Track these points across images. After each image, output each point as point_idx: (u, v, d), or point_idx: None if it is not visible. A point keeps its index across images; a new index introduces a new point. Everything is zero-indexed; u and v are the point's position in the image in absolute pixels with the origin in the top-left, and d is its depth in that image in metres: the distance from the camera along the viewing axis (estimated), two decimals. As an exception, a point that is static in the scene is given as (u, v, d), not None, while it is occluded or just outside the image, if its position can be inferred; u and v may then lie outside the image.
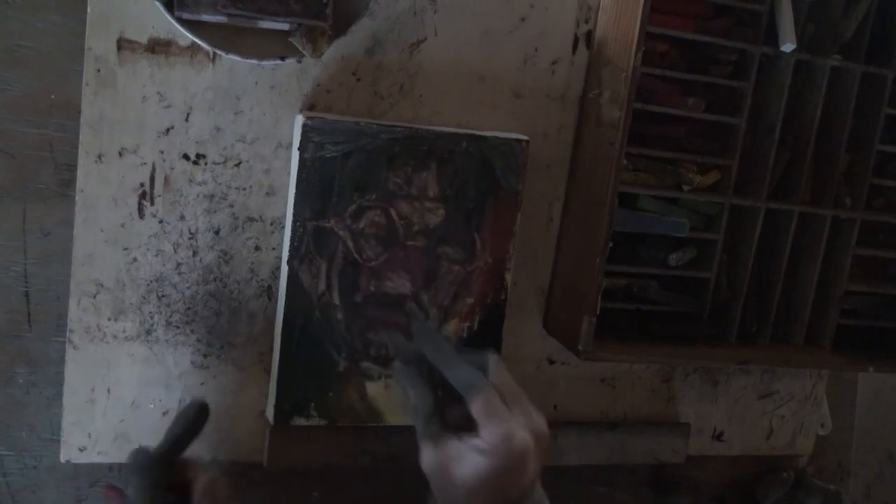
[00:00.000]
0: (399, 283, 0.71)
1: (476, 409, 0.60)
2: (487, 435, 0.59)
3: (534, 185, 0.77)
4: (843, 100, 0.81)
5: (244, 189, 0.69)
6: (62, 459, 0.69)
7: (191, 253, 0.69)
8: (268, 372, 0.72)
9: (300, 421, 0.70)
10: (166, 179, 0.67)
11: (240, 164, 0.69)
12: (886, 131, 0.83)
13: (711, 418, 0.90)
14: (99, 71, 0.64)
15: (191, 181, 0.68)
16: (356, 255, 0.69)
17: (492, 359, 0.63)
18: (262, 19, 0.63)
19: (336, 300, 0.69)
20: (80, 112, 0.65)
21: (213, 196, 0.69)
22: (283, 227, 0.70)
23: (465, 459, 0.59)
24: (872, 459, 1.05)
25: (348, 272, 0.69)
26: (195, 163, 0.68)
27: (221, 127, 0.68)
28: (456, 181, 0.71)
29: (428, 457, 0.61)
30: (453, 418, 0.62)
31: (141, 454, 0.62)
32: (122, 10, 0.64)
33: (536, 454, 0.60)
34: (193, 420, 0.64)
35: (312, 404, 0.70)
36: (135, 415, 0.70)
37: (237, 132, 0.68)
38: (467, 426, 0.60)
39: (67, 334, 0.67)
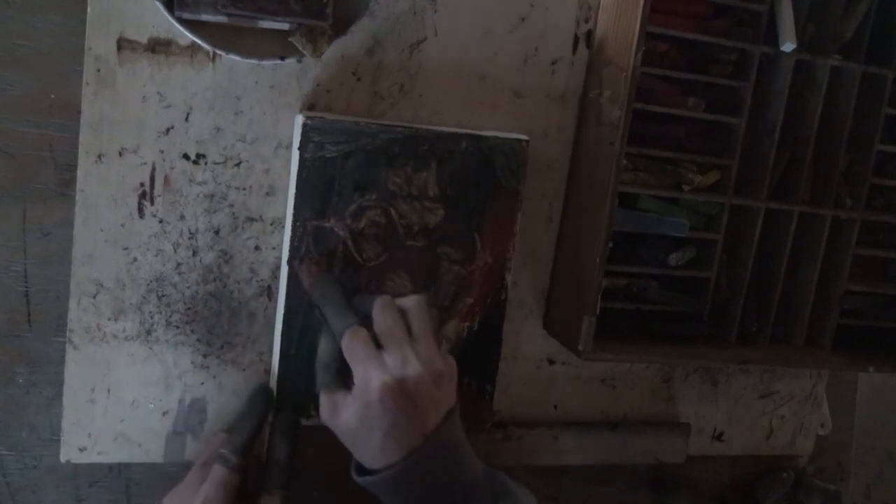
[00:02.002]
0: (399, 283, 0.71)
1: (345, 352, 0.61)
2: (354, 379, 0.60)
3: (534, 184, 0.77)
4: (844, 100, 0.81)
5: (244, 189, 0.69)
6: (62, 459, 0.69)
7: (191, 253, 0.69)
8: (268, 372, 0.72)
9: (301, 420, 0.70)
10: (166, 179, 0.67)
11: (240, 163, 0.69)
12: (886, 131, 0.83)
13: (711, 418, 0.90)
14: (99, 71, 0.64)
15: (191, 181, 0.68)
16: (356, 255, 0.69)
17: (377, 302, 0.63)
18: (262, 19, 0.63)
19: (336, 300, 0.69)
20: (80, 112, 0.65)
21: (213, 196, 0.69)
22: (283, 227, 0.70)
23: (344, 406, 0.60)
24: (872, 459, 1.05)
25: (348, 272, 0.69)
26: (195, 163, 0.68)
27: (221, 127, 0.68)
28: (456, 181, 0.71)
29: (322, 408, 0.62)
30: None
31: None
32: (122, 9, 0.64)
33: (406, 399, 0.59)
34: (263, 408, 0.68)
35: (313, 404, 0.70)
36: (135, 414, 0.70)
37: (237, 132, 0.68)
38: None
39: (67, 334, 0.67)
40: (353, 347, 0.61)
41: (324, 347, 0.66)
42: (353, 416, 0.60)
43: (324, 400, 0.62)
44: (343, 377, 0.63)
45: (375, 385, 0.58)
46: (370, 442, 0.60)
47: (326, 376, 0.64)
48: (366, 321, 0.63)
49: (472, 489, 0.61)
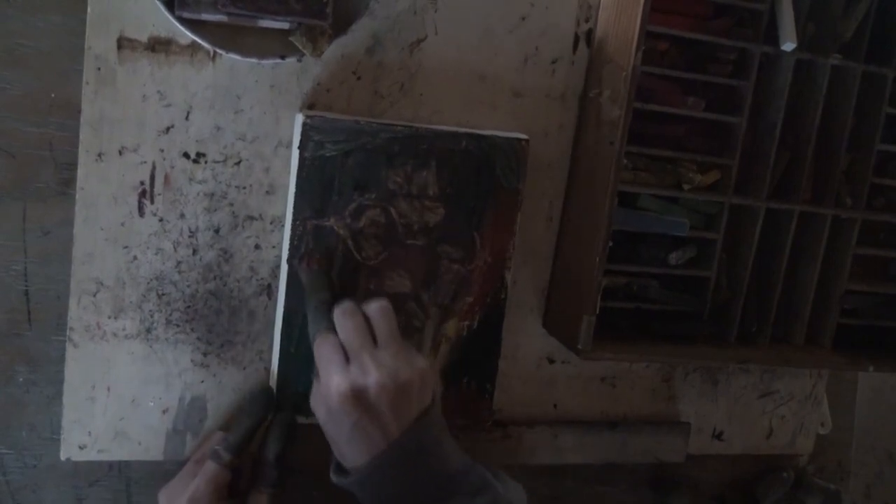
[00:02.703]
0: (399, 282, 0.71)
1: (315, 358, 0.63)
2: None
3: (534, 184, 0.77)
4: (844, 99, 0.81)
5: (244, 188, 0.69)
6: (62, 458, 0.69)
7: (191, 251, 0.69)
8: (268, 370, 0.72)
9: (300, 420, 0.70)
10: (166, 178, 0.67)
11: (240, 162, 0.69)
12: (887, 131, 0.83)
13: (711, 418, 0.90)
14: (99, 70, 0.64)
15: (191, 180, 0.68)
16: (356, 254, 0.69)
17: (337, 309, 0.64)
18: (262, 18, 0.63)
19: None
20: (80, 111, 0.65)
21: (213, 195, 0.69)
22: (283, 226, 0.70)
23: (314, 401, 0.63)
24: (872, 459, 1.05)
25: (348, 271, 0.69)
26: (195, 161, 0.68)
27: (221, 126, 0.68)
28: (456, 180, 0.71)
29: (311, 396, 0.64)
30: None
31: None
32: (122, 9, 0.64)
33: (364, 405, 0.60)
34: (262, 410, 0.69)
35: (312, 403, 0.71)
36: (135, 413, 0.70)
37: (237, 131, 0.68)
38: None
39: (67, 333, 0.67)
40: (320, 353, 0.63)
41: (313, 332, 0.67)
42: (321, 415, 0.62)
43: (313, 390, 0.64)
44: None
45: (333, 392, 0.60)
46: (338, 443, 0.62)
47: (313, 368, 0.65)
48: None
49: (446, 488, 0.61)
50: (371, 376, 0.60)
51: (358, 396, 0.60)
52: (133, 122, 0.66)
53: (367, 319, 0.64)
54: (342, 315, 0.64)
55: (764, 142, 0.80)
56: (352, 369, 0.61)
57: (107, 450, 0.70)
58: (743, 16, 0.78)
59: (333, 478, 0.63)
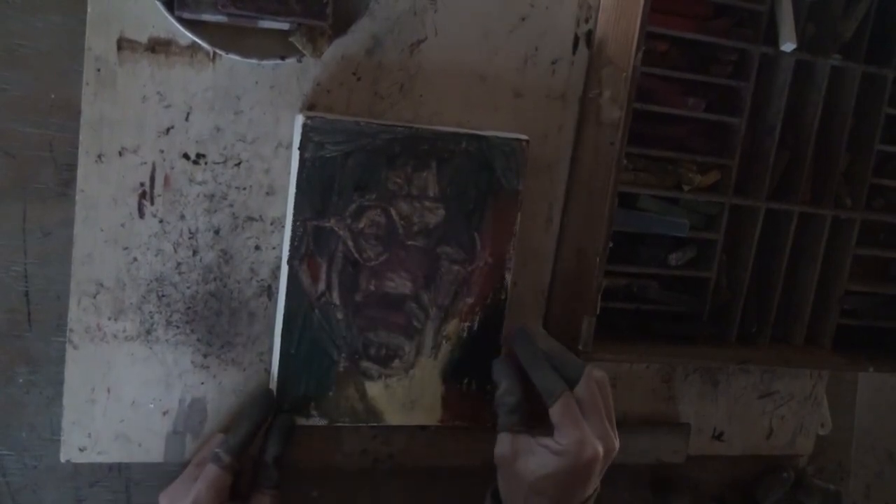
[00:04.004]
0: (399, 283, 0.71)
1: (554, 412, 0.65)
2: (562, 437, 0.63)
3: (534, 185, 0.77)
4: (843, 100, 0.81)
5: (244, 189, 0.69)
6: (62, 459, 0.69)
7: (191, 252, 0.69)
8: (268, 371, 0.72)
9: (300, 420, 0.70)
10: (166, 179, 0.67)
11: (240, 163, 0.69)
12: (886, 131, 0.83)
13: (711, 418, 0.90)
14: (99, 71, 0.64)
15: (191, 181, 0.68)
16: (356, 255, 0.69)
17: (586, 371, 0.67)
18: (262, 19, 0.63)
19: (336, 300, 0.69)
20: (80, 112, 0.65)
21: (213, 196, 0.69)
22: (283, 227, 0.70)
23: (536, 456, 0.64)
24: (872, 459, 1.05)
25: (348, 272, 0.69)
26: (195, 162, 0.68)
27: (221, 126, 0.68)
28: (456, 181, 0.71)
29: (502, 447, 0.66)
30: (536, 419, 0.67)
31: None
32: (122, 9, 0.64)
33: (602, 467, 0.65)
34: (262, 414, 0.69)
35: (312, 404, 0.70)
36: (135, 414, 0.70)
37: (237, 132, 0.68)
38: (546, 430, 0.65)
39: (67, 334, 0.67)
40: (572, 411, 0.64)
41: (506, 389, 0.68)
42: (547, 466, 0.64)
43: (506, 439, 0.66)
44: (526, 423, 0.67)
45: (590, 452, 0.63)
46: (544, 492, 0.63)
47: (512, 418, 0.67)
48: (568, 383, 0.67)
49: None
50: (611, 442, 0.65)
51: (605, 460, 0.64)
52: (133, 123, 0.66)
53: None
54: (592, 380, 0.67)
55: (764, 142, 0.80)
56: (596, 430, 0.64)
57: (107, 451, 0.70)
58: (743, 16, 0.78)
59: None
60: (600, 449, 0.64)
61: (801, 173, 0.81)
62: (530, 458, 0.64)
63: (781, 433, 0.93)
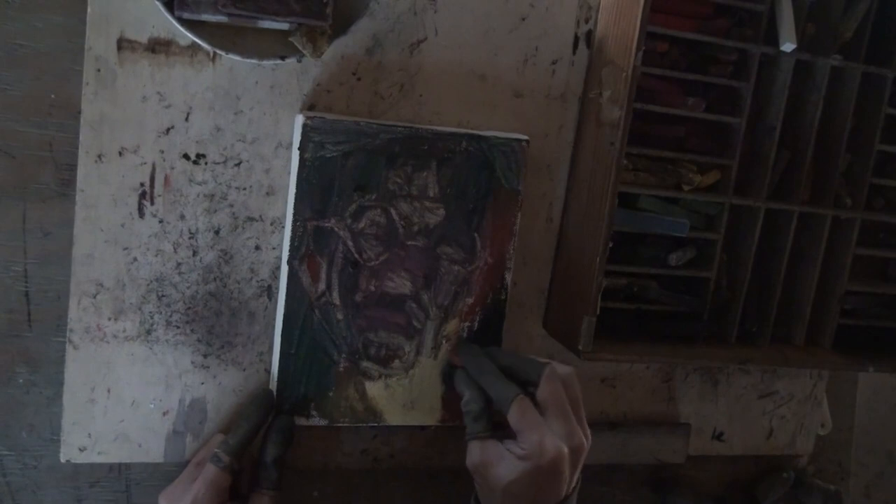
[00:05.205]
0: (399, 283, 0.71)
1: (511, 418, 0.64)
2: (522, 442, 0.63)
3: (534, 185, 0.77)
4: (843, 100, 0.81)
5: (244, 189, 0.69)
6: (62, 459, 0.69)
7: (191, 253, 0.69)
8: (268, 372, 0.72)
9: (300, 421, 0.70)
10: (166, 179, 0.67)
11: (240, 163, 0.69)
12: (886, 131, 0.83)
13: (711, 418, 0.90)
14: (99, 71, 0.64)
15: (191, 181, 0.68)
16: (356, 255, 0.69)
17: (546, 371, 0.67)
18: (262, 19, 0.63)
19: (336, 300, 0.69)
20: (80, 112, 0.65)
21: (213, 196, 0.69)
22: (283, 227, 0.70)
23: (504, 462, 0.64)
24: (872, 459, 1.05)
25: (348, 272, 0.69)
26: (195, 162, 0.68)
27: (221, 127, 0.68)
28: (456, 181, 0.71)
29: (472, 456, 0.66)
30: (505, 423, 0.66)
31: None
32: (122, 9, 0.64)
33: (570, 465, 0.64)
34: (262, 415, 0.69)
35: (312, 404, 0.70)
36: (135, 415, 0.70)
37: (237, 132, 0.68)
38: (514, 435, 0.65)
39: (67, 334, 0.67)
40: (525, 415, 0.64)
41: (469, 397, 0.68)
42: (514, 472, 0.63)
43: (475, 448, 0.66)
44: (493, 429, 0.67)
45: (551, 451, 0.62)
46: (518, 497, 0.63)
47: (478, 426, 0.67)
48: (521, 385, 0.67)
49: None
50: (578, 439, 0.64)
51: (572, 458, 0.63)
52: (133, 123, 0.66)
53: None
54: (552, 379, 0.66)
55: (764, 142, 0.80)
56: (557, 430, 0.64)
57: (107, 452, 0.70)
58: (743, 16, 0.78)
59: None
60: (564, 448, 0.63)
61: (801, 173, 0.81)
62: (500, 465, 0.64)
63: (781, 433, 0.93)
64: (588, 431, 0.67)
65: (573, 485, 0.66)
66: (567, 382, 0.67)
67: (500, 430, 0.67)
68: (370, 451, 0.78)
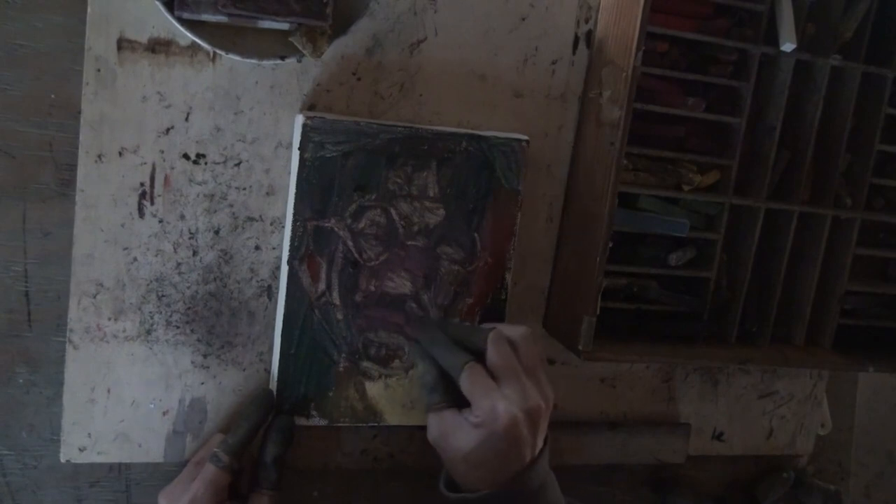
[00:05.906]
0: (399, 283, 0.71)
1: (463, 386, 0.64)
2: (476, 408, 0.62)
3: (534, 184, 0.77)
4: (843, 100, 0.81)
5: (244, 189, 0.69)
6: (62, 459, 0.69)
7: (191, 253, 0.69)
8: (268, 372, 0.72)
9: (300, 421, 0.70)
10: (166, 179, 0.67)
11: (240, 163, 0.69)
12: (886, 131, 0.83)
13: (711, 418, 0.90)
14: (99, 71, 0.64)
15: (191, 181, 0.68)
16: (356, 255, 0.69)
17: (491, 335, 0.66)
18: (262, 19, 0.63)
19: (336, 300, 0.69)
20: (80, 112, 0.65)
21: (213, 196, 0.69)
22: (283, 227, 0.70)
23: (461, 431, 0.63)
24: (872, 459, 1.05)
25: (348, 272, 0.69)
26: (195, 162, 0.68)
27: (221, 127, 0.68)
28: (456, 181, 0.71)
29: (431, 428, 0.65)
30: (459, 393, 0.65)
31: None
32: (122, 9, 0.64)
33: (529, 428, 0.62)
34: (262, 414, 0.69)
35: (312, 404, 0.70)
36: (135, 415, 0.70)
37: (237, 132, 0.68)
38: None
39: (67, 334, 0.67)
40: (475, 381, 0.63)
41: (423, 370, 0.68)
42: (471, 440, 0.62)
43: (433, 420, 0.65)
44: (450, 399, 0.65)
45: (504, 416, 0.61)
46: (481, 465, 0.62)
47: (434, 397, 0.66)
48: (475, 354, 0.66)
49: None
50: (532, 399, 0.63)
51: (526, 419, 0.62)
52: (133, 123, 0.66)
53: (511, 344, 0.66)
54: (496, 342, 0.65)
55: (764, 142, 0.80)
56: (509, 394, 0.63)
57: (107, 451, 0.70)
58: (743, 16, 0.78)
59: (450, 495, 0.64)
60: (516, 411, 0.61)
61: (801, 173, 0.81)
62: (457, 434, 0.63)
63: (781, 433, 0.93)
64: (548, 391, 0.65)
65: (539, 446, 0.64)
66: (518, 344, 0.66)
67: (456, 399, 0.66)
68: (370, 451, 0.78)
